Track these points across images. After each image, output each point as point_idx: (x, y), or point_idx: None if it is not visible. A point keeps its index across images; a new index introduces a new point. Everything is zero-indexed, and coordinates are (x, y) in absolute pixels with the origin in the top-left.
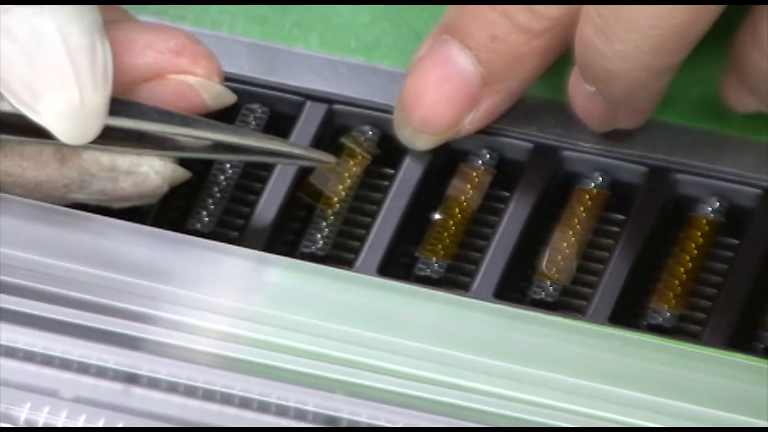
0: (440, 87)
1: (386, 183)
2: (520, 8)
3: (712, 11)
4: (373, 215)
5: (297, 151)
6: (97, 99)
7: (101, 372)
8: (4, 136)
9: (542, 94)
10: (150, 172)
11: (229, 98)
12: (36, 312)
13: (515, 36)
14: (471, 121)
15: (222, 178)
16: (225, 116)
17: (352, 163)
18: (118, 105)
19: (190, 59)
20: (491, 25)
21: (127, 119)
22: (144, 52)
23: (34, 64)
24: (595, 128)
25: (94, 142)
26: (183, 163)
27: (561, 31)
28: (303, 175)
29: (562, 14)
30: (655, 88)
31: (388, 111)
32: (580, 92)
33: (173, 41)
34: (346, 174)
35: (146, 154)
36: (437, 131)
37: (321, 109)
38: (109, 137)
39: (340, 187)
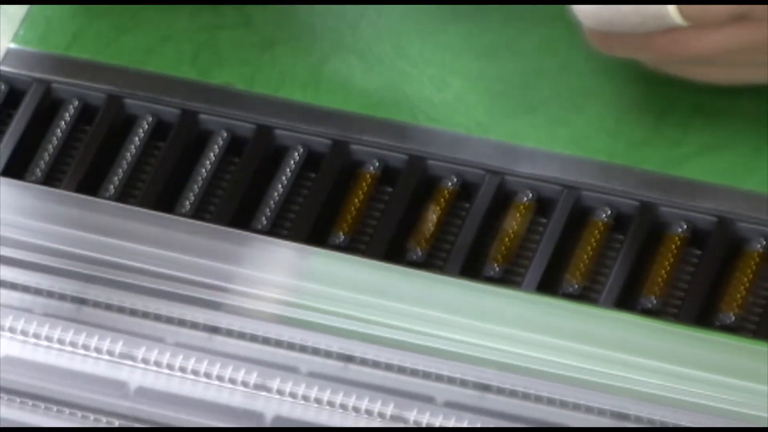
0: None
1: (387, 198)
2: None
3: None
4: (378, 219)
5: None
6: None
7: (194, 325)
8: None
9: (507, 138)
10: None
11: None
12: (150, 285)
13: None
14: None
15: (276, 194)
16: (275, 155)
17: (364, 183)
18: None
19: None
20: None
21: None
22: None
23: None
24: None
25: None
26: None
27: None
28: (335, 192)
29: None
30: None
31: (395, 150)
32: None
33: None
34: (360, 191)
35: None
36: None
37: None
38: None
39: (356, 200)
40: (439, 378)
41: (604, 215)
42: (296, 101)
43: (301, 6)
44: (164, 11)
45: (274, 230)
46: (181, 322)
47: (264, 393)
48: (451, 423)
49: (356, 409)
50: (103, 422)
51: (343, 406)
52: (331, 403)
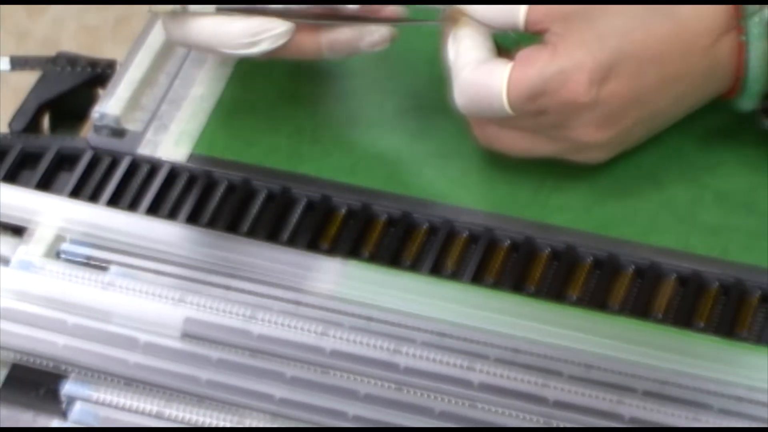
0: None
1: (403, 233)
2: None
3: (538, 153)
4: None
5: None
6: None
7: (287, 300)
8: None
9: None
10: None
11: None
12: (263, 278)
13: None
14: None
15: (334, 231)
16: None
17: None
18: None
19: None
20: None
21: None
22: None
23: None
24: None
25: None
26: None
27: None
28: (367, 226)
29: None
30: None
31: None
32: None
33: None
34: (380, 224)
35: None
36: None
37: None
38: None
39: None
40: (417, 329)
41: (506, 243)
42: (342, 182)
43: (346, 130)
44: (273, 134)
45: (331, 250)
46: (279, 299)
47: (325, 337)
48: (425, 354)
49: (373, 346)
50: (239, 353)
51: (366, 344)
52: (360, 342)
